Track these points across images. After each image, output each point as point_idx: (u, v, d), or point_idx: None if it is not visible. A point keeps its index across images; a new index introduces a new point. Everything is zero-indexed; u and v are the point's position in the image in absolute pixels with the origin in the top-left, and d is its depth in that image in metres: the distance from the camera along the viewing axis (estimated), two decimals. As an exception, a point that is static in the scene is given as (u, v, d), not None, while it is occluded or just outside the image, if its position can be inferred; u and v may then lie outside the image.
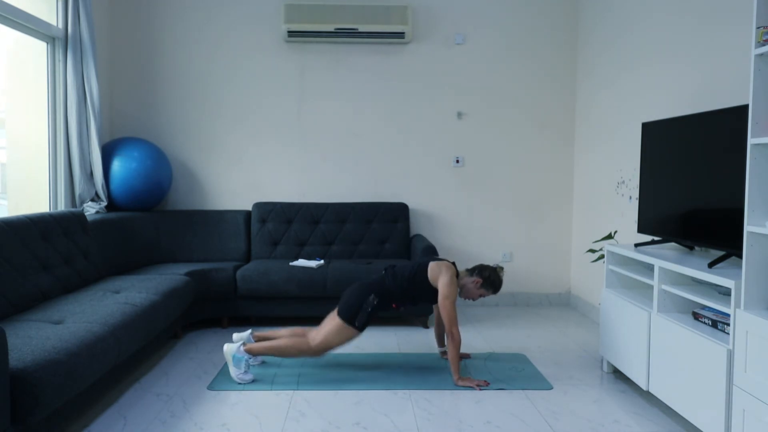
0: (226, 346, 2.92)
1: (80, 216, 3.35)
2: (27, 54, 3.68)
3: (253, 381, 2.87)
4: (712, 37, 2.81)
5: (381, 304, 2.95)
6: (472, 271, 3.06)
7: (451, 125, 4.53)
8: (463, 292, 3.07)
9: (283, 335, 3.11)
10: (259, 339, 3.15)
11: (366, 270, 3.78)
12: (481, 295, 3.05)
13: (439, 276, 2.94)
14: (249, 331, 3.16)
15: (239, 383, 2.84)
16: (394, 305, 3.01)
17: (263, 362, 3.15)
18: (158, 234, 4.14)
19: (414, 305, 3.09)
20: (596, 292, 4.16)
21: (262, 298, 3.81)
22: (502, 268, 3.08)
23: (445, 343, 3.32)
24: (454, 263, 3.04)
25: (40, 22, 3.51)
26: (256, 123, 4.49)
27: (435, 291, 2.98)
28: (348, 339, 2.93)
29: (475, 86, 4.51)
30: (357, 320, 2.90)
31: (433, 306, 3.29)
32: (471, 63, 4.50)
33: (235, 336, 3.14)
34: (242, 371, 2.87)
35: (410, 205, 4.56)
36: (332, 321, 2.95)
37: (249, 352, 2.93)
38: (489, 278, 3.02)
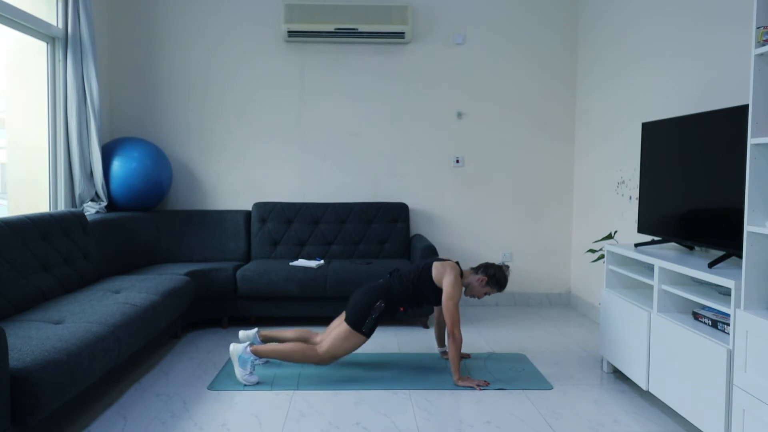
0: (233, 346, 2.90)
1: (80, 216, 3.35)
2: (27, 54, 3.68)
3: (258, 383, 2.86)
4: (712, 37, 2.82)
5: (388, 308, 2.95)
6: (477, 270, 3.05)
7: (451, 125, 4.53)
8: (467, 290, 3.07)
9: (289, 337, 3.10)
10: (265, 338, 3.15)
11: (366, 270, 3.78)
12: (486, 293, 3.05)
13: (443, 275, 2.93)
14: (255, 330, 3.14)
15: (244, 384, 2.83)
16: (401, 308, 3.01)
17: (267, 362, 3.14)
18: (158, 234, 4.14)
19: (420, 308, 3.08)
20: (596, 292, 4.16)
21: (262, 298, 3.81)
22: (507, 267, 3.08)
23: (446, 343, 3.32)
24: (457, 262, 3.03)
25: (40, 22, 3.51)
26: (256, 123, 4.49)
27: (440, 291, 2.96)
28: (355, 346, 2.91)
29: (475, 86, 4.51)
30: (364, 326, 2.89)
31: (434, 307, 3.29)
32: (471, 63, 4.50)
33: (242, 334, 3.12)
34: (248, 372, 2.85)
35: (410, 205, 4.56)
36: (339, 327, 2.94)
37: (255, 353, 2.90)
38: (494, 276, 3.01)
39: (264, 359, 3.11)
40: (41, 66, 3.70)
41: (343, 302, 3.80)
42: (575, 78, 4.53)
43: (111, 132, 4.41)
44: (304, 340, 3.07)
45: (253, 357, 2.88)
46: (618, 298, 2.87)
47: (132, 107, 4.44)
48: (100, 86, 3.87)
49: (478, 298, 3.08)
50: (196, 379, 2.94)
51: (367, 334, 2.90)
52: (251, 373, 2.86)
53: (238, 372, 2.86)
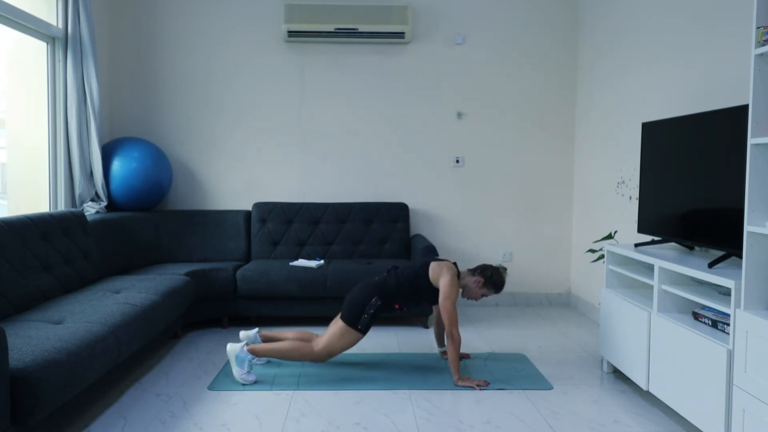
0: (230, 346, 2.90)
1: (80, 216, 3.35)
2: (27, 54, 3.68)
3: (256, 382, 2.86)
4: (712, 37, 2.82)
5: (384, 305, 2.95)
6: (473, 271, 3.05)
7: (451, 125, 4.53)
8: (465, 292, 3.07)
9: (288, 337, 3.11)
10: (265, 339, 3.14)
11: (366, 270, 3.78)
12: (483, 295, 3.05)
13: (440, 276, 2.94)
14: (256, 330, 3.14)
15: (242, 383, 2.84)
16: (396, 306, 3.00)
17: (268, 362, 3.15)
18: (158, 234, 4.14)
19: (416, 306, 3.08)
20: (596, 292, 4.16)
21: (262, 298, 3.81)
22: (505, 269, 3.07)
23: (445, 343, 3.32)
24: (455, 263, 3.03)
25: (40, 22, 3.51)
26: (256, 123, 4.49)
27: (436, 291, 2.97)
28: (351, 343, 2.93)
29: (475, 86, 4.51)
30: (360, 323, 2.90)
31: (433, 306, 3.29)
32: (471, 63, 4.50)
33: (242, 334, 3.12)
34: (245, 371, 2.85)
35: (410, 205, 4.56)
36: (335, 325, 2.95)
37: (252, 352, 2.91)
38: (491, 277, 3.01)
39: (264, 360, 3.12)
40: (41, 66, 3.70)
41: (342, 302, 3.80)
42: (575, 78, 4.53)
43: (111, 132, 4.41)
44: (305, 340, 3.07)
45: (250, 356, 2.89)
46: (618, 298, 2.87)
47: (132, 107, 4.44)
48: (100, 86, 3.87)
49: (476, 299, 3.08)
50: (196, 379, 2.94)
51: (363, 331, 2.92)
52: (248, 372, 2.86)
53: (236, 371, 2.86)
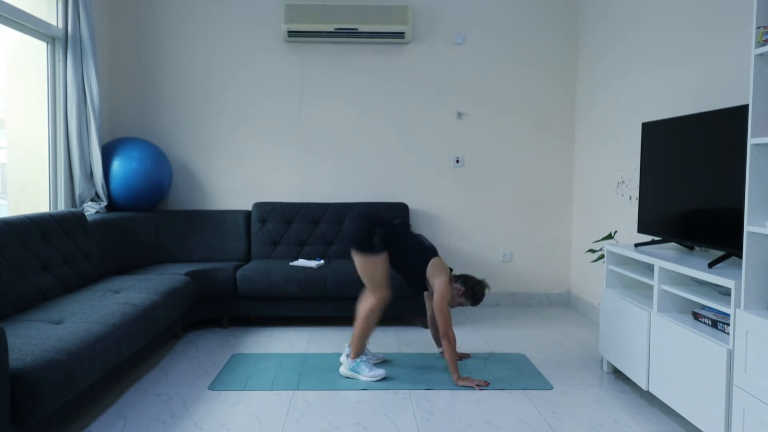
0: (342, 370, 2.98)
1: (80, 216, 3.35)
2: (27, 54, 3.68)
3: (385, 378, 2.93)
4: (712, 37, 2.82)
5: (381, 240, 2.96)
6: (457, 278, 3.07)
7: (451, 125, 4.53)
8: None
9: (359, 314, 3.11)
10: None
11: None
12: (459, 304, 3.06)
13: (437, 275, 2.94)
14: (345, 351, 3.08)
15: (379, 380, 2.90)
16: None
17: (384, 360, 3.21)
18: (158, 234, 4.14)
19: (393, 267, 3.06)
20: (596, 292, 4.16)
21: (262, 298, 3.81)
22: (488, 285, 3.10)
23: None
24: (451, 269, 3.05)
25: (40, 22, 3.51)
26: (256, 123, 4.49)
27: (421, 281, 3.00)
28: (385, 264, 2.94)
29: (475, 86, 4.51)
30: (375, 246, 2.91)
31: (426, 307, 3.31)
32: (471, 63, 4.50)
33: (341, 359, 3.10)
34: (369, 370, 2.92)
35: (410, 205, 4.56)
36: (360, 263, 2.94)
37: (355, 355, 2.97)
38: (472, 289, 3.03)
39: (381, 357, 3.19)
40: (41, 66, 3.70)
41: (343, 302, 3.80)
42: (575, 78, 4.53)
43: (111, 132, 4.41)
44: (365, 301, 3.10)
45: (359, 359, 2.95)
46: (618, 298, 2.87)
47: (132, 107, 4.44)
48: (100, 86, 3.87)
49: (451, 307, 3.08)
50: (196, 379, 2.94)
51: (382, 250, 2.93)
52: (371, 369, 2.93)
53: (362, 378, 2.91)
